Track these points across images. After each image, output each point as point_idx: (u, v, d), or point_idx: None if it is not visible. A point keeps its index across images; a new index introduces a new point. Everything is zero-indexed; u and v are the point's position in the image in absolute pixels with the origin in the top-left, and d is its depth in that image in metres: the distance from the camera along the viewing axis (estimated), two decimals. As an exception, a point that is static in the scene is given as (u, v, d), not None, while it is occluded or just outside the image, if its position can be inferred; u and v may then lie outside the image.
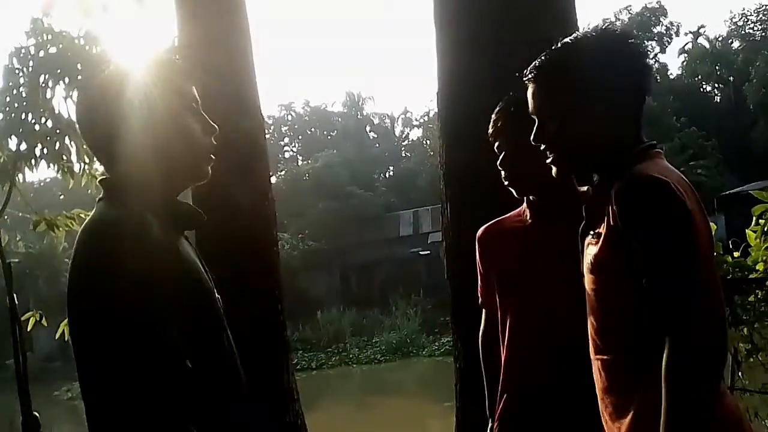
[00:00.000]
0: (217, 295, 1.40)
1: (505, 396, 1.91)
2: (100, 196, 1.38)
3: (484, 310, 2.08)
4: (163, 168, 1.35)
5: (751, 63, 31.06)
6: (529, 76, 1.53)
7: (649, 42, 33.58)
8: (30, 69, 4.53)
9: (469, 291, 2.68)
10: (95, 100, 1.37)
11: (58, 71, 4.92)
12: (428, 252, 26.08)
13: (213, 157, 1.42)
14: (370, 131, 46.06)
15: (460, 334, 2.72)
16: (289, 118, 45.42)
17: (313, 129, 45.17)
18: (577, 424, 1.75)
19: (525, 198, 1.90)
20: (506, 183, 1.87)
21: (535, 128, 1.52)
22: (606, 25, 1.56)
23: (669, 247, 1.30)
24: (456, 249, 2.72)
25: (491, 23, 2.57)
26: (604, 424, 1.50)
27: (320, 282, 26.07)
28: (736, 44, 37.33)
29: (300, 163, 38.97)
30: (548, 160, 1.52)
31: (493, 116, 1.89)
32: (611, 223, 1.38)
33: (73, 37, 5.04)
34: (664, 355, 1.27)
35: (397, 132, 46.78)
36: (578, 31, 2.69)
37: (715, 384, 1.29)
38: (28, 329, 4.00)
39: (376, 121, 46.59)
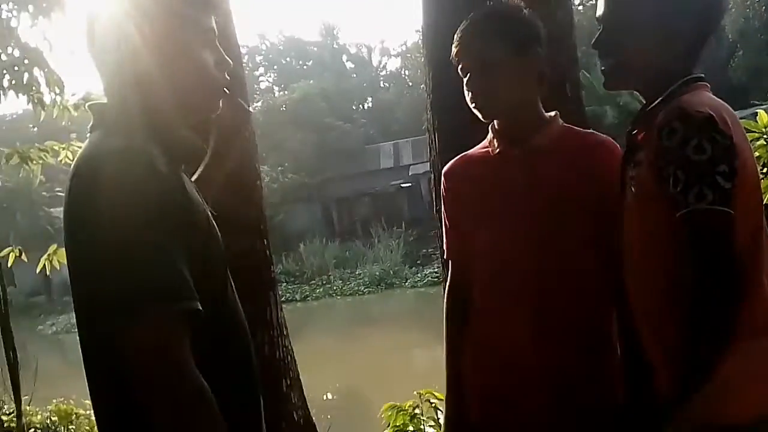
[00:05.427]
0: (220, 237, 1.31)
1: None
2: (93, 123, 1.27)
3: (451, 261, 1.88)
4: (171, 100, 1.26)
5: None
6: None
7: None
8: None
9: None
10: (104, 14, 1.26)
11: (22, -2, 4.69)
12: (410, 184, 26.09)
13: (227, 92, 1.35)
14: (346, 61, 45.17)
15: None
16: (264, 47, 44.33)
17: (288, 59, 44.16)
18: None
19: (490, 126, 1.77)
20: (472, 106, 1.72)
21: (597, 34, 1.53)
22: None
23: (704, 167, 1.26)
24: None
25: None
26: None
27: (301, 214, 26.05)
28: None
29: (276, 93, 38.24)
30: (602, 68, 1.53)
31: (457, 35, 1.72)
32: (651, 155, 1.36)
33: (36, -39, 4.79)
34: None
35: (375, 62, 45.93)
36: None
37: (723, 321, 1.26)
38: (9, 265, 3.92)
39: (352, 50, 45.64)
